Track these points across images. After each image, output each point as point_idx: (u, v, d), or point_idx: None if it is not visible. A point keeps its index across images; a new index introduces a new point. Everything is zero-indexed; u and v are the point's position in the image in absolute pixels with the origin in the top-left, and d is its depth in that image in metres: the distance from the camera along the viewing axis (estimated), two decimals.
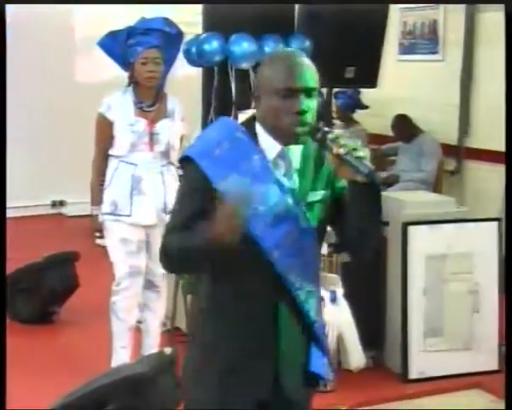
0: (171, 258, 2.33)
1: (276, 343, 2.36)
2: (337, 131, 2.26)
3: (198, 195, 2.31)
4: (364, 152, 2.20)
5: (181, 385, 2.57)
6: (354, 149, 2.19)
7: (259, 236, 2.28)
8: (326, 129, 2.27)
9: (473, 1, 7.06)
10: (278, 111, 2.28)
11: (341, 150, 2.19)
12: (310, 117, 2.29)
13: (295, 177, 2.37)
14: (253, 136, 2.36)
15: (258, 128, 2.36)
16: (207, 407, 2.41)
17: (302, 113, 2.27)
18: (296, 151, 2.37)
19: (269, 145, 2.34)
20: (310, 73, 2.32)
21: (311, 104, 2.30)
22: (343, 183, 2.35)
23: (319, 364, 2.45)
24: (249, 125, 2.39)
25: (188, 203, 2.34)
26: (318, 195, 2.38)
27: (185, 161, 2.38)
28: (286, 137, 2.32)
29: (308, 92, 2.29)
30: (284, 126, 2.29)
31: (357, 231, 2.35)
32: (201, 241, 2.20)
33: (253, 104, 2.44)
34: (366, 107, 8.04)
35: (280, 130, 2.31)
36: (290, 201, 2.32)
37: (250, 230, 2.25)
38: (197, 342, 2.49)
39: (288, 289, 2.34)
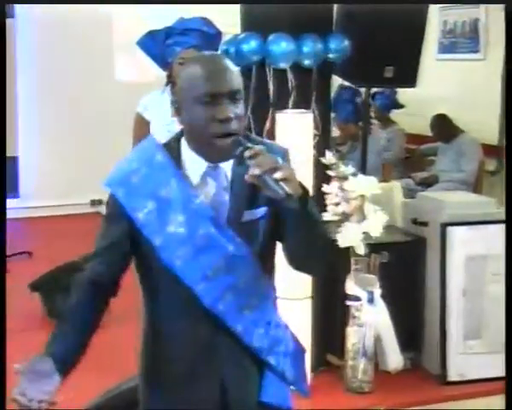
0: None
1: (220, 375, 2.24)
2: (257, 148, 2.04)
3: (114, 226, 2.21)
4: (283, 173, 1.98)
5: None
6: (272, 170, 1.97)
7: (180, 270, 2.14)
8: (247, 143, 2.06)
9: (473, 1, 7.00)
10: (200, 121, 2.09)
11: (256, 171, 1.98)
12: (236, 125, 2.10)
13: (226, 196, 2.20)
14: (177, 156, 2.19)
15: (183, 145, 2.20)
16: None
17: (227, 120, 2.08)
18: (227, 167, 2.19)
19: (194, 164, 2.18)
20: (232, 75, 2.13)
21: (237, 110, 2.12)
22: None
23: (273, 392, 2.30)
24: (173, 144, 2.22)
25: (104, 234, 2.23)
26: (258, 212, 2.21)
27: (107, 188, 2.24)
28: (210, 151, 2.13)
29: (232, 96, 2.11)
30: (207, 138, 2.10)
31: (298, 246, 2.17)
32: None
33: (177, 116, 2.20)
34: (402, 106, 8.00)
35: (204, 143, 2.12)
36: (213, 229, 2.15)
37: (168, 265, 2.14)
38: (142, 358, 2.42)
39: (223, 321, 2.19)
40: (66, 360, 2.15)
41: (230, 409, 2.27)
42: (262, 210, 2.21)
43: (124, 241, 2.19)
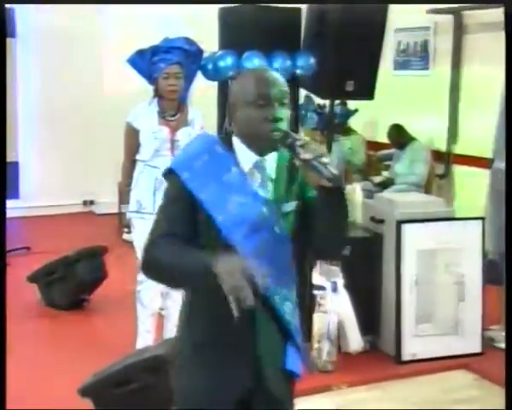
0: (156, 270, 2.22)
1: (256, 342, 2.26)
2: (305, 139, 2.17)
3: (179, 205, 2.23)
4: (329, 159, 2.10)
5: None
6: (320, 156, 2.09)
7: (237, 244, 2.17)
8: (295, 136, 2.16)
9: (473, 1, 6.99)
10: (254, 120, 2.19)
11: (307, 155, 2.09)
12: (284, 125, 2.20)
13: (270, 187, 2.27)
14: (230, 149, 2.27)
15: (235, 141, 2.27)
16: (193, 400, 2.32)
17: (277, 120, 2.18)
18: (271, 162, 2.28)
19: (245, 157, 2.25)
20: (281, 84, 2.24)
21: (285, 113, 2.21)
22: (313, 192, 2.22)
23: (293, 362, 2.34)
24: (226, 139, 2.30)
25: (169, 214, 2.24)
26: (292, 205, 2.28)
27: (168, 174, 2.28)
28: (262, 145, 2.22)
29: (281, 101, 2.21)
30: (260, 135, 2.19)
31: (327, 235, 2.24)
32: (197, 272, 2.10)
33: (226, 120, 2.30)
34: (356, 110, 7.98)
35: (256, 139, 2.22)
36: (265, 210, 2.22)
37: (227, 238, 2.18)
38: (181, 337, 2.39)
39: (264, 293, 2.17)
40: None
41: (263, 374, 2.28)
42: (295, 203, 2.28)
43: (189, 219, 2.21)
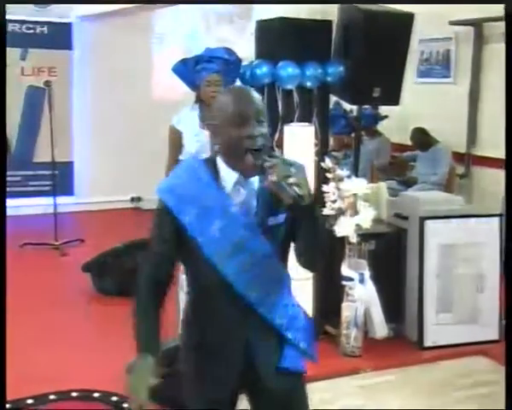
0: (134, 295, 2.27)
1: (248, 347, 2.25)
2: (274, 160, 2.05)
3: (165, 227, 2.21)
4: (296, 179, 2.00)
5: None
6: (287, 177, 1.99)
7: (217, 265, 2.15)
8: (265, 157, 2.07)
9: (473, 1, 6.88)
10: (233, 139, 2.10)
11: (274, 177, 2.00)
12: (262, 141, 2.10)
13: (254, 203, 2.19)
14: (214, 171, 2.19)
15: (219, 161, 2.19)
16: (191, 396, 2.36)
17: (254, 137, 2.09)
18: (254, 178, 2.18)
19: (228, 175, 2.17)
20: (258, 102, 2.15)
21: (262, 129, 2.11)
22: None
23: (290, 360, 2.30)
24: (211, 160, 2.22)
25: (157, 234, 2.24)
26: (280, 218, 2.20)
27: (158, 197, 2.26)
28: (242, 164, 2.12)
29: (257, 118, 2.11)
30: (240, 154, 2.10)
31: (304, 248, 2.20)
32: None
33: (212, 139, 2.19)
34: (386, 116, 7.93)
35: (236, 158, 2.12)
36: (245, 233, 2.16)
37: (208, 259, 2.15)
38: (181, 335, 2.40)
39: (251, 304, 2.20)
40: (156, 348, 2.22)
41: (258, 373, 2.27)
42: (282, 216, 2.20)
43: (173, 239, 2.19)
